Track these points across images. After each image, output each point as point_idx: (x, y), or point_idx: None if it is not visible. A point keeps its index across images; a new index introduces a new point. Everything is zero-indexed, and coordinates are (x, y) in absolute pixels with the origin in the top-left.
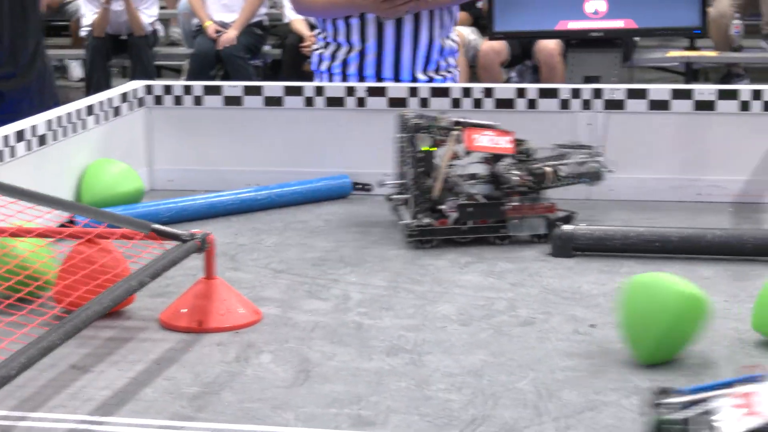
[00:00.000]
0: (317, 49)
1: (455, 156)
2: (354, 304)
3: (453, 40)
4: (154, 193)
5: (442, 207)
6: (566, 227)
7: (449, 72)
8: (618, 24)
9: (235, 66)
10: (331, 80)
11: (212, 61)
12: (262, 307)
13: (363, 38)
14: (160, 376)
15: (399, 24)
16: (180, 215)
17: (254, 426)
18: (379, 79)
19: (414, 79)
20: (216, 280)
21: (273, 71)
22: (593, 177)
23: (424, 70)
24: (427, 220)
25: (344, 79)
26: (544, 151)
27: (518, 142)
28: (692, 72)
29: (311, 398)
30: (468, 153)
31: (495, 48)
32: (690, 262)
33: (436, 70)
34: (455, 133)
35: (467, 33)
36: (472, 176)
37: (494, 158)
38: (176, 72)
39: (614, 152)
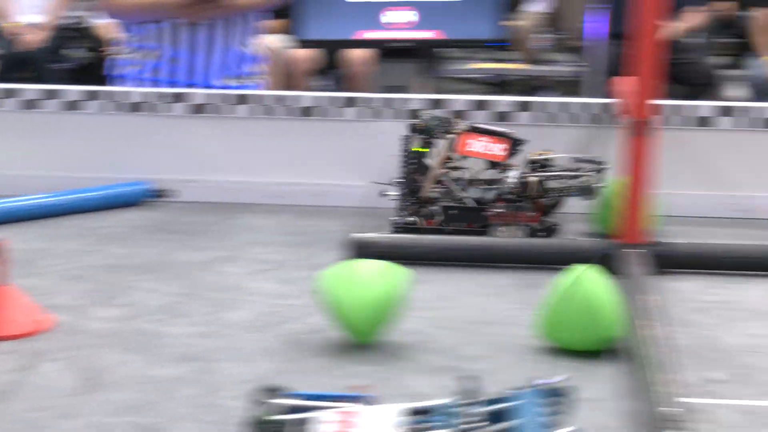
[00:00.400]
0: (123, 54)
1: (448, 159)
2: (148, 311)
3: (257, 47)
4: None
5: (434, 208)
6: (361, 234)
7: (253, 78)
8: (427, 35)
9: (41, 68)
10: (136, 85)
11: (18, 63)
12: (54, 314)
13: (169, 43)
14: None
15: (204, 30)
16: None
17: None
18: (178, 85)
19: (217, 86)
20: (5, 287)
21: (80, 75)
22: (583, 191)
23: (234, 77)
24: (411, 219)
25: (150, 84)
26: (566, 162)
27: (541, 153)
28: (501, 84)
29: (100, 406)
30: (463, 157)
31: (303, 56)
32: (484, 271)
33: (240, 77)
34: (450, 136)
35: (279, 40)
36: (473, 181)
37: (493, 165)
38: None
39: None
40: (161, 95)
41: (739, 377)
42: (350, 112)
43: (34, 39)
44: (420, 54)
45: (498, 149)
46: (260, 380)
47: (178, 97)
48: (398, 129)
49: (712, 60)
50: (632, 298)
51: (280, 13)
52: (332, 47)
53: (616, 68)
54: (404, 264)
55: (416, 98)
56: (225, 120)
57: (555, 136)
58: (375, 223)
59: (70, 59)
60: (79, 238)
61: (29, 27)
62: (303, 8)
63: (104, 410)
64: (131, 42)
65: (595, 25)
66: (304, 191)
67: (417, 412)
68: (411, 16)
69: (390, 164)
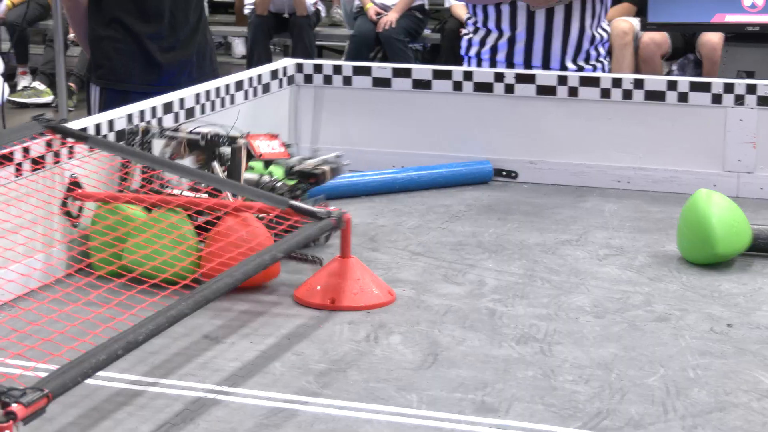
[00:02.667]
0: (467, 34)
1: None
2: (488, 290)
3: (604, 30)
4: None
5: None
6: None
7: (599, 62)
8: None
9: (394, 49)
10: (479, 65)
11: (371, 43)
12: (396, 289)
13: (513, 25)
14: (290, 350)
15: (550, 13)
16: (317, 193)
17: (377, 405)
18: (528, 66)
19: (563, 68)
20: (351, 259)
21: (432, 55)
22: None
23: (574, 60)
24: None
25: (493, 65)
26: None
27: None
28: None
29: (437, 382)
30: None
31: (656, 40)
32: None
33: (586, 60)
34: (242, 142)
35: (628, 23)
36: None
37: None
38: (338, 53)
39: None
40: (507, 75)
41: None
42: (701, 97)
43: (387, 20)
44: None
45: (278, 146)
46: (597, 366)
47: (524, 78)
48: (751, 116)
49: None
50: None
51: None
52: (686, 30)
53: None
54: (753, 255)
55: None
56: (570, 102)
57: None
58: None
59: (422, 40)
60: (424, 215)
61: (384, 8)
62: None
63: (441, 386)
64: (475, 23)
65: None
66: (650, 176)
67: None
68: None
69: (745, 152)
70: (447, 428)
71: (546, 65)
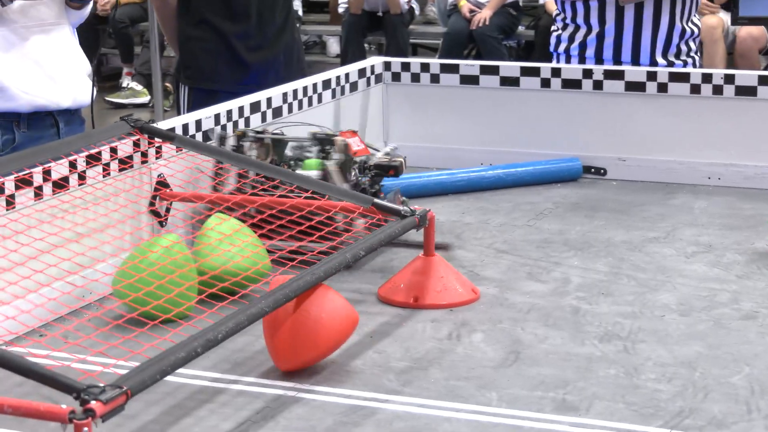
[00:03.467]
0: (556, 31)
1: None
2: (573, 288)
3: (695, 24)
4: None
5: None
6: None
7: (690, 57)
8: None
9: (487, 46)
10: (568, 62)
11: (465, 41)
12: (480, 287)
13: (602, 21)
14: (372, 348)
15: (639, 7)
16: (406, 191)
17: (457, 404)
18: (617, 62)
19: (653, 64)
20: (434, 258)
21: (526, 52)
22: None
23: (664, 54)
24: None
25: (582, 61)
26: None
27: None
28: None
29: (517, 380)
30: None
31: (753, 34)
32: None
33: (677, 55)
34: (340, 140)
35: (719, 17)
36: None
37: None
38: (433, 51)
39: None
40: (595, 72)
41: None
42: None
43: (481, 17)
44: None
45: (359, 143)
46: (681, 365)
47: (613, 74)
48: None
49: None
50: None
51: None
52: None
53: None
54: None
55: None
56: (660, 98)
57: None
58: None
59: (517, 37)
60: (510, 212)
61: (478, 5)
62: None
63: (522, 384)
64: (563, 19)
65: None
66: (742, 173)
67: None
68: None
69: None
70: (526, 427)
71: (636, 61)
